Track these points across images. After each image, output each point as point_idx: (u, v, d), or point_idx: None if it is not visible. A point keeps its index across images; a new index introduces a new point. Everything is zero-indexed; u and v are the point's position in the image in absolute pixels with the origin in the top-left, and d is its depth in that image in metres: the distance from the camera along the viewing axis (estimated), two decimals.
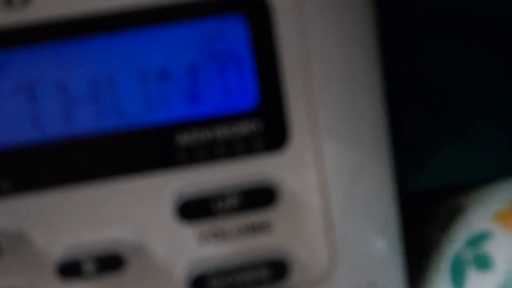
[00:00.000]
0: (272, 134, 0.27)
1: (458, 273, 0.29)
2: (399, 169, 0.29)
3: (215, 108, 0.26)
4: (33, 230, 0.27)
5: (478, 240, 0.29)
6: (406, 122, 0.37)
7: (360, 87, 0.27)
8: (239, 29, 0.26)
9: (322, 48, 0.26)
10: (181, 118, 0.26)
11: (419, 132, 0.38)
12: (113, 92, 0.26)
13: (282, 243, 0.28)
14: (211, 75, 0.26)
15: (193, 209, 0.27)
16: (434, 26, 0.37)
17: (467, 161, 0.37)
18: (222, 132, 0.26)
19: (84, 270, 0.26)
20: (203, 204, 0.27)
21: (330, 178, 0.27)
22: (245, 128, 0.26)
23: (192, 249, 0.27)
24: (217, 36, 0.26)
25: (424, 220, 0.33)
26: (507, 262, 0.28)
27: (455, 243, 0.30)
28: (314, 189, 0.27)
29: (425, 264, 0.31)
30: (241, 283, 0.27)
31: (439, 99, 0.37)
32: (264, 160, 0.27)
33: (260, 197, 0.27)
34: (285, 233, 0.28)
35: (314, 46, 0.26)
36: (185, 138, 0.26)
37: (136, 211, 0.27)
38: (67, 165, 0.26)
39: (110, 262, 0.27)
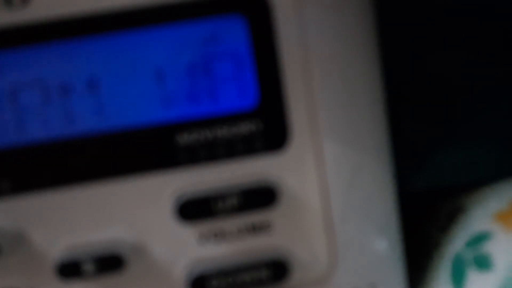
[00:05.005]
0: (272, 134, 0.27)
1: (458, 273, 0.29)
2: (399, 169, 0.29)
3: (215, 108, 0.26)
4: (33, 230, 0.27)
5: (478, 240, 0.29)
6: (406, 122, 0.37)
7: (360, 87, 0.27)
8: (239, 29, 0.26)
9: (322, 48, 0.26)
10: (181, 118, 0.26)
11: (419, 132, 0.38)
12: (113, 92, 0.26)
13: (282, 243, 0.28)
14: (211, 75, 0.26)
15: (193, 209, 0.27)
16: (434, 26, 0.37)
17: (467, 161, 0.37)
18: (222, 132, 0.26)
19: (84, 270, 0.26)
20: (203, 204, 0.27)
21: (330, 178, 0.27)
22: (245, 128, 0.26)
23: (192, 249, 0.27)
24: (217, 36, 0.26)
25: (424, 220, 0.33)
26: (507, 262, 0.28)
27: (455, 243, 0.30)
28: (314, 189, 0.27)
29: (425, 264, 0.31)
30: (241, 283, 0.27)
31: (439, 99, 0.37)
32: (264, 160, 0.27)
33: (260, 197, 0.27)
34: (285, 233, 0.28)
35: (314, 46, 0.26)
36: (185, 138, 0.26)
37: (136, 211, 0.27)
38: (67, 165, 0.26)
39: (110, 262, 0.27)
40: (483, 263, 0.29)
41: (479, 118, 0.37)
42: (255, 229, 0.27)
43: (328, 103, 0.27)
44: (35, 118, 0.26)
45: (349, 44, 0.26)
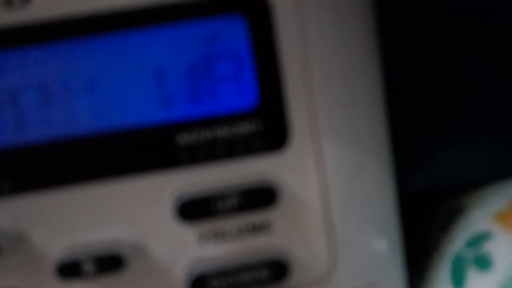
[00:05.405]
0: (272, 134, 0.27)
1: (458, 273, 0.29)
2: (399, 169, 0.29)
3: (215, 108, 0.26)
4: (33, 230, 0.27)
5: (478, 240, 0.29)
6: (406, 122, 0.37)
7: (360, 87, 0.27)
8: (239, 29, 0.26)
9: (322, 48, 0.26)
10: (181, 118, 0.26)
11: (419, 132, 0.38)
12: (113, 92, 0.26)
13: (282, 243, 0.28)
14: (211, 75, 0.26)
15: (193, 209, 0.27)
16: (434, 26, 0.37)
17: (467, 161, 0.37)
18: (222, 132, 0.26)
19: (84, 270, 0.26)
20: (203, 204, 0.27)
21: (330, 178, 0.27)
22: (245, 128, 0.26)
23: (192, 249, 0.27)
24: (217, 36, 0.26)
25: (424, 220, 0.33)
26: (507, 262, 0.28)
27: (455, 243, 0.30)
28: (314, 189, 0.27)
29: (425, 264, 0.31)
30: (241, 283, 0.27)
31: (439, 99, 0.37)
32: (264, 160, 0.27)
33: (260, 197, 0.27)
34: (285, 233, 0.28)
35: (314, 46, 0.26)
36: (185, 138, 0.26)
37: (136, 211, 0.27)
38: (67, 165, 0.26)
39: (110, 262, 0.27)
40: (483, 263, 0.29)
41: (479, 118, 0.37)
42: (255, 229, 0.27)
43: (328, 103, 0.27)
44: (35, 118, 0.26)
45: (349, 44, 0.26)
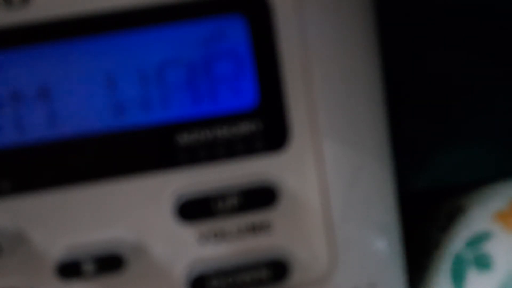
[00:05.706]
0: (272, 134, 0.27)
1: (458, 273, 0.29)
2: (399, 169, 0.29)
3: (215, 108, 0.26)
4: (33, 230, 0.27)
5: (478, 240, 0.29)
6: (406, 122, 0.37)
7: (360, 87, 0.27)
8: (239, 29, 0.26)
9: (322, 48, 0.26)
10: (181, 118, 0.26)
11: (419, 132, 0.38)
12: (113, 92, 0.26)
13: (282, 243, 0.28)
14: (211, 75, 0.26)
15: (193, 209, 0.27)
16: (434, 26, 0.37)
17: (467, 161, 0.37)
18: (222, 132, 0.26)
19: (84, 270, 0.26)
20: (203, 204, 0.27)
21: (330, 178, 0.27)
22: (245, 128, 0.26)
23: (192, 249, 0.27)
24: (217, 36, 0.26)
25: (424, 220, 0.33)
26: (507, 262, 0.28)
27: (455, 243, 0.30)
28: (314, 189, 0.27)
29: (425, 264, 0.31)
30: (241, 283, 0.27)
31: (439, 99, 0.37)
32: (264, 160, 0.27)
33: (260, 197, 0.27)
34: (285, 233, 0.28)
35: (314, 46, 0.26)
36: (185, 138, 0.26)
37: (136, 211, 0.27)
38: (67, 165, 0.26)
39: (110, 262, 0.27)
40: (483, 263, 0.29)
41: (479, 118, 0.37)
42: (255, 229, 0.27)
43: (328, 103, 0.27)
44: (35, 118, 0.26)
45: (349, 44, 0.26)
